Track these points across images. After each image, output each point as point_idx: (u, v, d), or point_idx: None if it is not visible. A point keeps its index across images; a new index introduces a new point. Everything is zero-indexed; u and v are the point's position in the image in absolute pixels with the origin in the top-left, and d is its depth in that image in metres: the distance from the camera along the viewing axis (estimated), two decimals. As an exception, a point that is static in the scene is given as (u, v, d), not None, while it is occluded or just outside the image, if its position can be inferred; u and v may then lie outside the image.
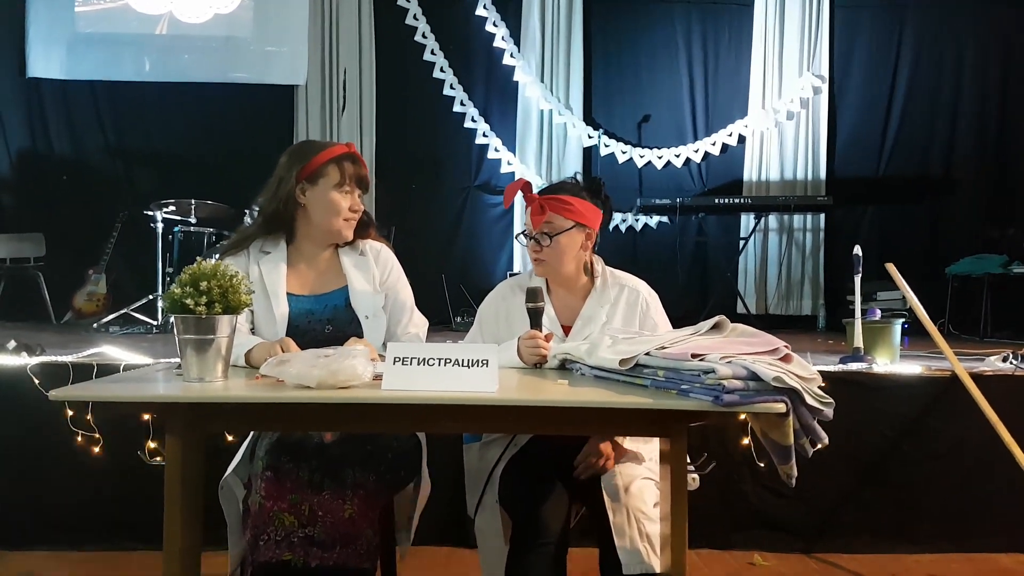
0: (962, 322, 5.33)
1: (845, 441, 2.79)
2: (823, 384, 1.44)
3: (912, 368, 3.03)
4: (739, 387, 1.34)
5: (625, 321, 2.01)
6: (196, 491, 1.55)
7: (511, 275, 4.07)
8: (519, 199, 2.07)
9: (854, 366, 3.01)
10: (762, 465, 2.90)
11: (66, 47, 6.20)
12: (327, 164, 1.99)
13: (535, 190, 2.04)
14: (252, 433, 1.98)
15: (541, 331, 1.85)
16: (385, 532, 1.99)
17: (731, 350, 1.43)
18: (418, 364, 1.44)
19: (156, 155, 6.26)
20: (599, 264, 2.12)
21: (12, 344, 2.92)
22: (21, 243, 5.87)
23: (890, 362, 3.14)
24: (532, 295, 1.88)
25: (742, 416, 2.79)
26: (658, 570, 1.66)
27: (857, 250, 3.08)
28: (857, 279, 3.06)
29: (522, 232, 2.07)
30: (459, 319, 5.53)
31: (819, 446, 1.45)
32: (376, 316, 2.05)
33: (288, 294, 2.02)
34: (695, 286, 6.19)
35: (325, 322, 2.01)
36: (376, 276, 2.11)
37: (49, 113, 6.26)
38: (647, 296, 2.08)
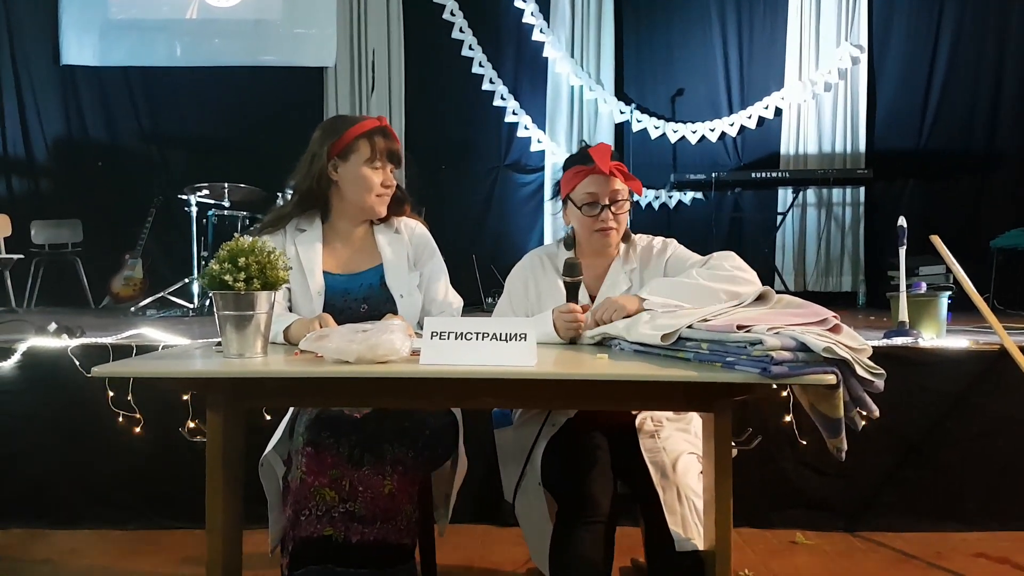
0: (1007, 296, 5.19)
1: (889, 417, 2.71)
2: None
3: (959, 342, 2.95)
4: (788, 358, 1.30)
5: (651, 277, 1.98)
6: (237, 467, 1.56)
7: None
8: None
9: (899, 341, 2.94)
10: (804, 443, 2.85)
11: (99, 34, 6.28)
12: (358, 139, 1.98)
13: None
14: (291, 410, 1.98)
15: (578, 304, 1.82)
16: (424, 509, 1.99)
17: (778, 321, 1.38)
18: (456, 339, 1.42)
19: (189, 139, 6.32)
20: (628, 231, 2.11)
21: (53, 326, 2.96)
22: (59, 229, 5.98)
23: (936, 336, 3.05)
24: (571, 269, 1.84)
25: (784, 393, 2.78)
26: (702, 547, 1.63)
27: (902, 221, 2.99)
28: (902, 251, 2.98)
29: (587, 203, 1.98)
30: (490, 299, 5.52)
31: (863, 423, 1.40)
32: (411, 295, 2.04)
33: (324, 272, 2.02)
34: (715, 252, 6.08)
35: (360, 300, 2.01)
36: (411, 254, 2.10)
37: (84, 100, 6.35)
38: (659, 244, 2.08)
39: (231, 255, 1.44)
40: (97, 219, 6.14)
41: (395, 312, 1.99)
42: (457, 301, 2.15)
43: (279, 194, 4.95)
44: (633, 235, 2.12)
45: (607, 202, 1.97)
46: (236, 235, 1.48)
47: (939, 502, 2.91)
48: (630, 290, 1.97)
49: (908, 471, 2.92)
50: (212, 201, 5.28)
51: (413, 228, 2.14)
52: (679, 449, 1.82)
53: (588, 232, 2.01)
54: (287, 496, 1.79)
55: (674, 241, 2.10)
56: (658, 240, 2.10)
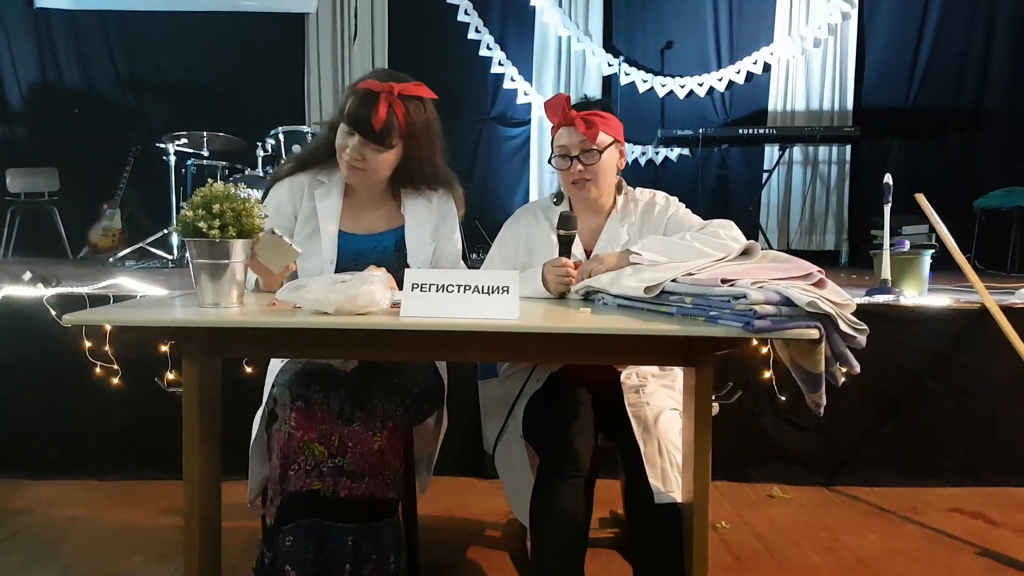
0: (989, 256, 5.22)
1: (868, 374, 2.73)
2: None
3: (940, 301, 2.96)
4: (771, 312, 1.29)
5: (650, 233, 1.94)
6: (215, 418, 1.54)
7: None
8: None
9: (881, 298, 2.96)
10: (783, 398, 2.88)
11: (73, -24, 6.08)
12: (346, 98, 1.85)
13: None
14: (276, 361, 1.94)
15: (570, 259, 1.79)
16: (407, 463, 1.99)
17: (762, 275, 1.37)
18: (437, 291, 1.39)
19: (167, 86, 6.17)
20: (623, 183, 2.06)
21: (28, 275, 2.91)
22: (35, 177, 5.86)
23: (918, 294, 3.07)
24: (565, 222, 1.80)
25: (765, 350, 2.79)
26: (680, 500, 1.64)
27: (887, 179, 2.98)
28: (886, 209, 2.98)
29: (557, 155, 1.95)
30: (475, 255, 5.48)
31: (843, 379, 1.40)
32: (425, 267, 1.96)
33: (340, 231, 1.93)
34: (715, 219, 6.07)
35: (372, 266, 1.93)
36: (433, 224, 2.01)
37: (59, 44, 6.18)
38: (662, 201, 2.03)
39: (205, 201, 1.40)
40: (74, 167, 6.01)
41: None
42: None
43: (259, 143, 4.86)
44: (633, 188, 2.07)
45: (576, 153, 1.93)
46: (210, 180, 1.43)
47: (915, 458, 2.95)
48: (628, 244, 1.92)
49: (886, 427, 2.96)
50: (191, 150, 5.17)
51: (444, 200, 2.04)
52: (662, 404, 1.82)
53: (567, 185, 1.99)
54: (270, 448, 1.78)
55: (676, 199, 2.05)
56: (661, 196, 2.05)
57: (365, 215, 1.97)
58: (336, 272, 1.88)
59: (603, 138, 1.93)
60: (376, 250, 1.96)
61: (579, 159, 1.93)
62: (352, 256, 1.93)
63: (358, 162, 1.84)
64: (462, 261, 2.09)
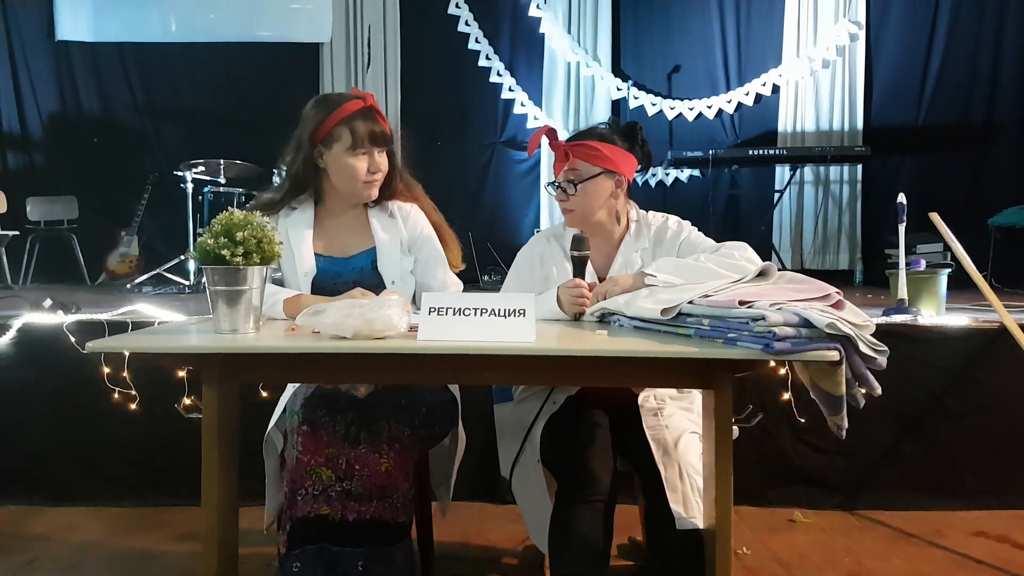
0: (1005, 275, 5.17)
1: (887, 395, 2.70)
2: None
3: (959, 320, 2.94)
4: (790, 334, 1.28)
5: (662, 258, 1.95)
6: (233, 442, 1.55)
7: (538, 231, 4.01)
8: (546, 149, 2.02)
9: (899, 318, 2.94)
10: (803, 420, 2.85)
11: (93, 8, 6.21)
12: (339, 126, 1.91)
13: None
14: (290, 386, 1.96)
15: (584, 280, 1.80)
16: (420, 486, 1.98)
17: (780, 297, 1.37)
18: (454, 314, 1.40)
19: (184, 116, 6.26)
20: (633, 210, 2.06)
21: (48, 303, 2.94)
22: (54, 205, 5.94)
23: (936, 314, 3.05)
24: (578, 243, 1.82)
25: (782, 371, 2.77)
26: (702, 525, 1.62)
27: (901, 198, 2.97)
28: (901, 228, 2.97)
29: (550, 183, 2.03)
30: (487, 277, 5.49)
31: (864, 402, 1.39)
32: (403, 280, 2.00)
33: (316, 255, 1.98)
34: (728, 241, 6.06)
35: (351, 284, 1.95)
36: (405, 239, 2.05)
37: (79, 76, 6.30)
38: (674, 225, 2.03)
39: (226, 229, 1.42)
40: (93, 195, 6.10)
41: None
42: (456, 285, 2.10)
43: (275, 171, 4.91)
44: (645, 212, 2.08)
45: (559, 182, 1.97)
46: (230, 208, 1.45)
47: (938, 480, 2.91)
48: (641, 269, 1.92)
49: (907, 448, 2.92)
50: (208, 178, 5.24)
51: (408, 212, 2.09)
52: (681, 427, 1.81)
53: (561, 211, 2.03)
54: (284, 472, 1.78)
55: (689, 223, 2.05)
56: (673, 220, 2.05)
57: (338, 239, 2.02)
58: (315, 292, 1.92)
59: (587, 169, 1.94)
60: (354, 270, 2.00)
61: (562, 188, 1.96)
62: (331, 277, 1.98)
63: (378, 172, 1.97)
64: (451, 273, 2.10)
